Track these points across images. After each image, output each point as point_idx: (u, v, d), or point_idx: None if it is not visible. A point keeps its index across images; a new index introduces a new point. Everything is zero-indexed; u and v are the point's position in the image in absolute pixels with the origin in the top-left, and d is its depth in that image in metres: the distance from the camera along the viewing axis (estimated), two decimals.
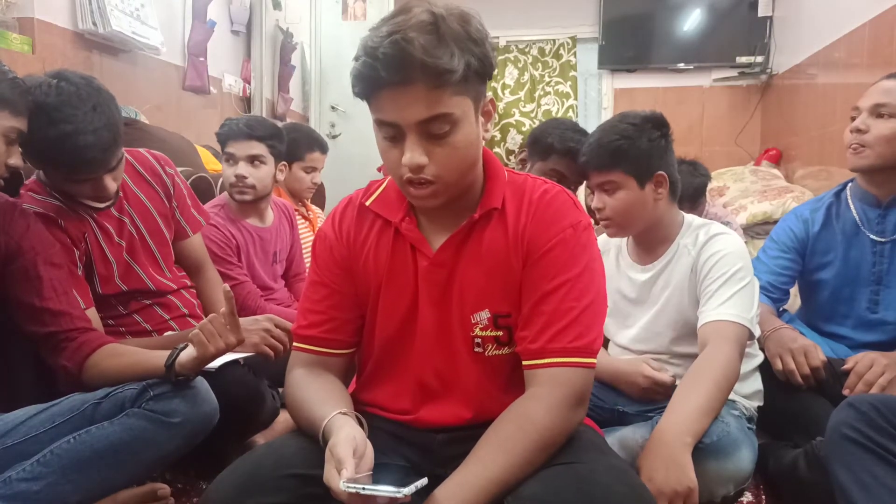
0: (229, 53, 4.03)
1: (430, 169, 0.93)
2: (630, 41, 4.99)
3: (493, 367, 1.05)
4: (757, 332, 1.38)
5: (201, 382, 1.23)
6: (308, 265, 1.58)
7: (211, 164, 2.89)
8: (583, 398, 0.97)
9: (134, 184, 1.60)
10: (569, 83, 5.15)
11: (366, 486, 0.78)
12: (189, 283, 1.73)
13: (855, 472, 1.08)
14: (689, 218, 1.50)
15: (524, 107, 5.16)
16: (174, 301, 1.65)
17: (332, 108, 4.95)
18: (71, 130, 1.27)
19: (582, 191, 2.45)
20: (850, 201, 1.68)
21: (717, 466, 1.22)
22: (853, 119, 1.60)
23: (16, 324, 1.27)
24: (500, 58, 4.97)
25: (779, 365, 1.52)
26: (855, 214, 1.66)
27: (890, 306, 1.60)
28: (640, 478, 1.04)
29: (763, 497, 1.45)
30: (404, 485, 0.79)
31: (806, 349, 1.51)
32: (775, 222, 2.28)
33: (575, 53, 5.15)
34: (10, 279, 1.26)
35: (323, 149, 2.68)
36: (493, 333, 1.04)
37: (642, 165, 1.41)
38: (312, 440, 0.96)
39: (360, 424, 0.95)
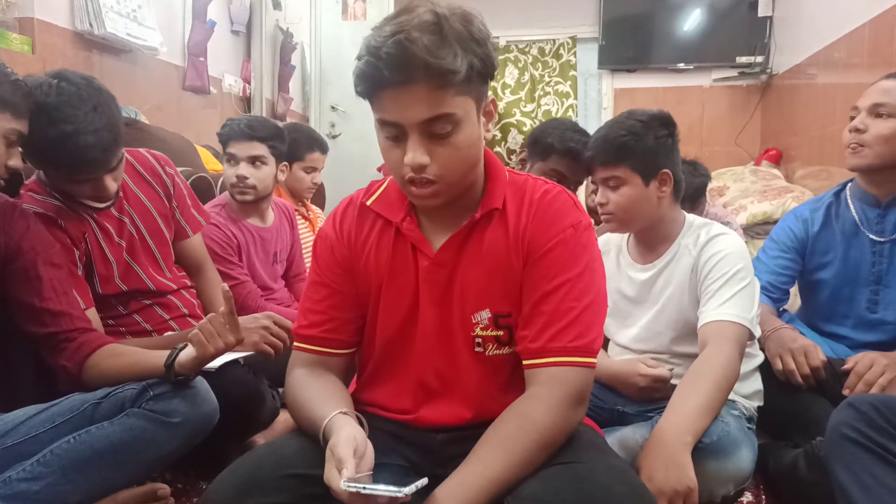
0: (229, 53, 4.03)
1: (432, 169, 0.93)
2: (630, 41, 4.99)
3: (493, 367, 1.05)
4: (757, 333, 1.38)
5: (201, 382, 1.23)
6: (308, 265, 1.58)
7: (211, 164, 2.89)
8: (583, 398, 0.97)
9: (134, 184, 1.60)
10: (569, 83, 5.15)
11: (366, 486, 0.78)
12: (189, 283, 1.73)
13: (855, 472, 1.08)
14: (691, 218, 1.51)
15: (525, 107, 5.16)
16: (174, 301, 1.65)
17: (332, 108, 4.95)
18: (71, 130, 1.27)
19: (582, 191, 2.46)
20: (849, 201, 1.68)
21: (716, 466, 1.22)
22: (852, 119, 1.60)
23: (16, 324, 1.27)
24: (500, 58, 4.96)
25: (779, 365, 1.52)
26: (854, 214, 1.66)
27: (889, 306, 1.60)
28: (640, 477, 1.04)
29: (763, 497, 1.45)
30: (404, 485, 0.79)
31: (806, 349, 1.51)
32: (775, 222, 2.28)
33: (575, 53, 5.15)
34: (10, 279, 1.26)
35: (323, 149, 2.68)
36: (494, 333, 1.04)
37: (648, 162, 1.41)
38: (312, 440, 0.96)
39: (361, 424, 0.95)
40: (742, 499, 1.42)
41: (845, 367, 1.48)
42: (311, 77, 4.96)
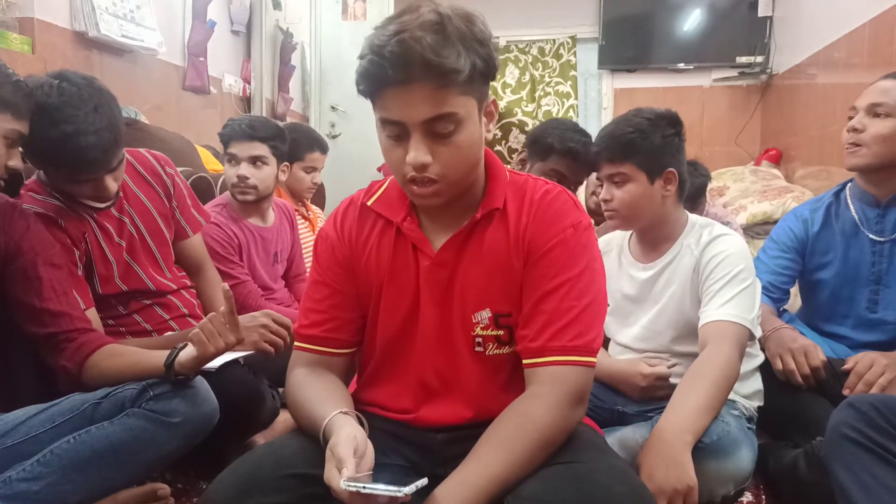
0: (229, 53, 4.03)
1: (434, 168, 0.93)
2: (630, 41, 4.99)
3: (493, 367, 1.05)
4: (758, 333, 1.38)
5: (201, 382, 1.23)
6: (308, 266, 1.58)
7: (211, 164, 2.90)
8: (582, 397, 0.98)
9: (134, 184, 1.60)
10: (569, 83, 5.15)
11: (366, 485, 0.78)
12: (189, 283, 1.73)
13: (855, 472, 1.08)
14: (694, 218, 1.51)
15: (525, 106, 5.16)
16: (174, 301, 1.65)
17: (332, 108, 4.95)
18: (72, 131, 1.27)
19: (582, 191, 2.46)
20: (849, 201, 1.68)
21: (716, 466, 1.22)
22: (850, 119, 1.60)
23: (16, 324, 1.27)
24: (500, 57, 4.96)
25: (779, 365, 1.52)
26: (854, 214, 1.66)
27: (889, 306, 1.60)
28: (639, 477, 1.04)
29: (763, 497, 1.45)
30: (404, 484, 0.79)
31: (806, 349, 1.51)
32: (775, 222, 2.28)
33: (575, 53, 5.15)
34: (10, 280, 1.26)
35: (323, 149, 2.68)
36: (494, 333, 1.04)
37: (654, 160, 1.42)
38: (312, 440, 0.96)
39: (361, 424, 0.95)
40: (742, 499, 1.42)
41: (845, 367, 1.48)
42: (311, 77, 4.96)
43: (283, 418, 1.60)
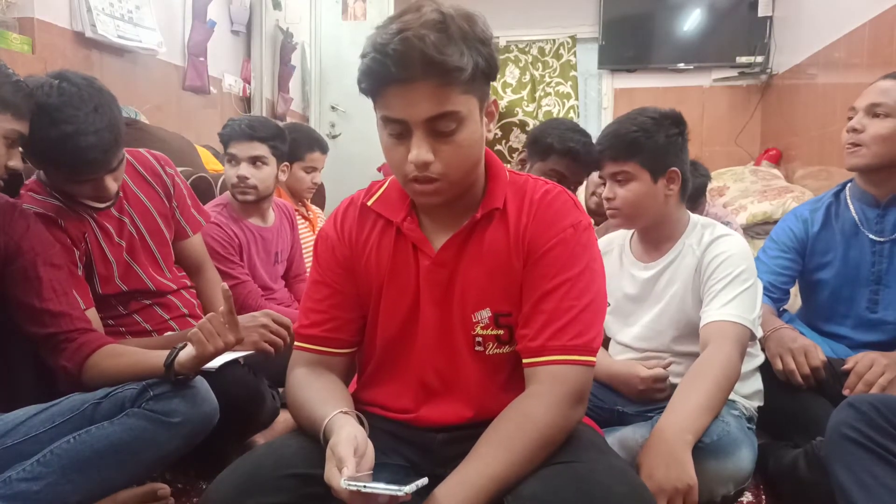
0: (229, 53, 4.03)
1: (436, 166, 0.93)
2: (630, 41, 4.99)
3: (493, 366, 1.05)
4: (759, 334, 1.38)
5: (201, 382, 1.23)
6: (308, 266, 1.58)
7: (211, 164, 2.90)
8: (582, 396, 0.98)
9: (134, 184, 1.60)
10: (569, 83, 5.15)
11: (367, 485, 0.78)
12: (189, 283, 1.73)
13: (855, 472, 1.08)
14: (696, 218, 1.51)
15: (526, 106, 5.16)
16: (174, 301, 1.65)
17: (332, 108, 4.95)
18: (72, 131, 1.27)
19: (582, 191, 2.46)
20: (849, 201, 1.69)
21: (716, 466, 1.22)
22: (850, 119, 1.60)
23: (16, 324, 1.27)
24: (500, 57, 4.96)
25: (779, 365, 1.52)
26: (854, 214, 1.66)
27: (889, 306, 1.60)
28: (639, 476, 1.04)
29: (763, 497, 1.45)
30: (405, 484, 0.79)
31: (806, 349, 1.51)
32: (775, 222, 2.28)
33: (575, 53, 5.15)
34: (10, 280, 1.26)
35: (323, 149, 2.68)
36: (494, 332, 1.04)
37: (658, 159, 1.42)
38: (313, 440, 0.96)
39: (361, 424, 0.95)
40: (742, 499, 1.42)
41: (845, 367, 1.48)
42: (311, 77, 4.96)
43: (283, 418, 1.60)
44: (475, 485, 0.87)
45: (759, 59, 4.55)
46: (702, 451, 1.17)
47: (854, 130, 1.57)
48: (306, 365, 1.09)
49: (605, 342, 1.61)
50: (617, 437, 1.38)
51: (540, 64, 5.21)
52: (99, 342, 1.28)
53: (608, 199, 1.47)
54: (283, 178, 2.13)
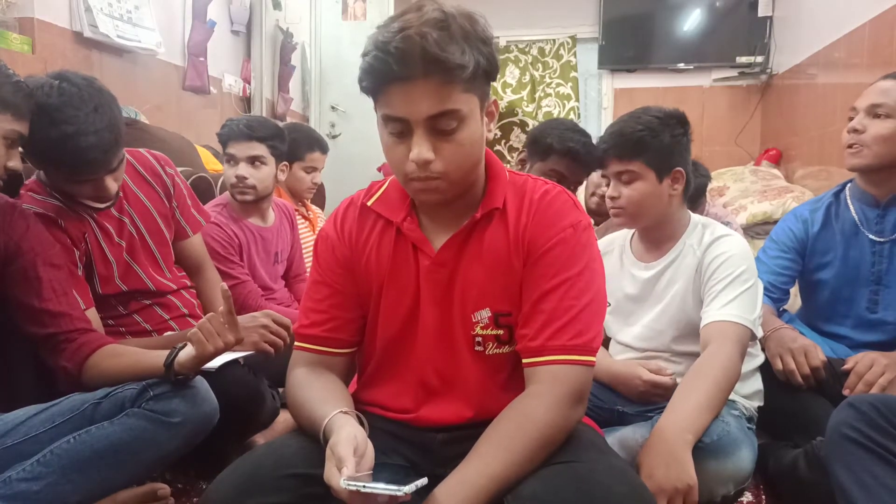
0: (229, 53, 4.03)
1: (436, 165, 0.93)
2: (630, 41, 4.99)
3: (493, 366, 1.05)
4: (759, 334, 1.38)
5: (201, 382, 1.23)
6: (308, 266, 1.58)
7: (211, 164, 2.90)
8: (582, 396, 0.98)
9: (134, 184, 1.60)
10: (569, 84, 5.14)
11: (366, 484, 0.78)
12: (189, 283, 1.73)
13: (855, 472, 1.08)
14: (696, 218, 1.51)
15: (526, 107, 5.16)
16: (174, 301, 1.65)
17: (332, 108, 4.95)
18: (72, 131, 1.27)
19: (581, 191, 2.46)
20: (848, 201, 1.69)
21: (716, 466, 1.22)
22: (851, 119, 1.60)
23: (16, 324, 1.27)
24: (500, 57, 4.96)
25: (779, 365, 1.52)
26: (854, 214, 1.66)
27: (889, 306, 1.60)
28: (639, 476, 1.04)
29: (763, 497, 1.45)
30: (405, 484, 0.79)
31: (806, 349, 1.51)
32: (775, 222, 2.28)
33: (575, 54, 5.15)
34: (10, 280, 1.26)
35: (323, 149, 2.68)
36: (494, 332, 1.04)
37: (663, 159, 1.42)
38: (312, 440, 0.96)
39: (361, 424, 0.95)
40: (742, 499, 1.42)
41: (845, 367, 1.48)
42: (311, 77, 4.96)
43: (283, 418, 1.60)
44: (475, 484, 0.87)
45: (759, 59, 4.55)
46: (702, 451, 1.17)
47: (855, 131, 1.57)
48: (306, 365, 1.09)
49: (606, 342, 1.61)
50: (617, 437, 1.38)
51: (540, 64, 5.21)
52: (99, 342, 1.28)
53: (612, 198, 1.46)
54: (282, 177, 2.13)
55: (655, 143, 1.40)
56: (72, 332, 1.27)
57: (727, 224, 2.19)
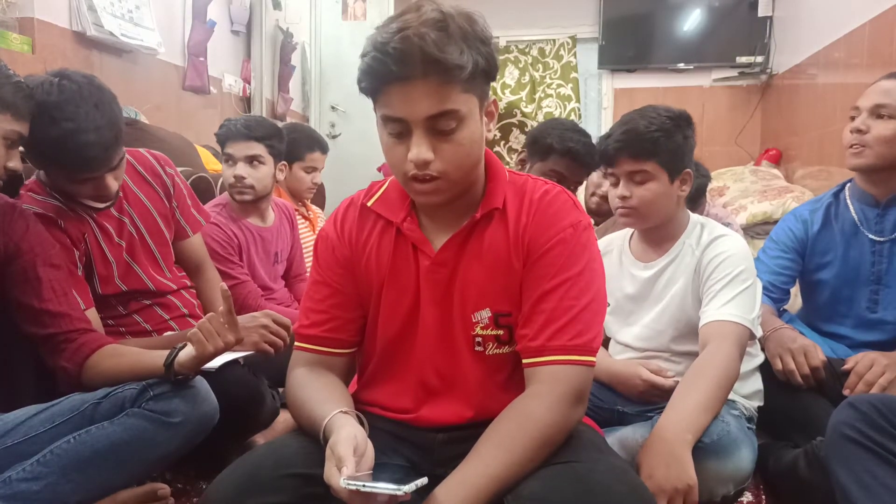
0: (229, 53, 4.03)
1: (436, 165, 0.93)
2: (630, 41, 4.99)
3: (493, 366, 1.06)
4: (759, 333, 1.38)
5: (201, 382, 1.23)
6: (308, 266, 1.58)
7: (211, 164, 2.89)
8: (582, 396, 0.98)
9: (134, 184, 1.60)
10: (570, 85, 5.14)
11: (366, 484, 0.78)
12: (189, 283, 1.73)
13: (855, 472, 1.08)
14: (696, 218, 1.51)
15: (526, 107, 5.16)
16: (174, 301, 1.65)
17: (332, 108, 4.95)
18: (73, 129, 1.27)
19: (581, 191, 2.46)
20: (848, 201, 1.69)
21: (716, 466, 1.22)
22: (853, 119, 1.60)
23: (16, 324, 1.27)
24: (500, 58, 4.95)
25: (779, 365, 1.52)
26: (854, 214, 1.66)
27: (889, 306, 1.60)
28: (639, 476, 1.04)
29: (763, 497, 1.45)
30: (405, 484, 0.79)
31: (806, 349, 1.51)
32: (775, 222, 2.28)
33: (575, 54, 5.15)
34: (10, 280, 1.26)
35: (323, 149, 2.68)
36: (494, 332, 1.04)
37: (676, 160, 1.41)
38: (312, 439, 0.96)
39: (361, 423, 0.95)
40: (742, 499, 1.41)
41: (845, 367, 1.48)
42: (311, 77, 4.96)
43: (283, 418, 1.60)
44: (475, 485, 0.87)
45: (759, 59, 4.55)
46: (702, 450, 1.17)
47: (859, 131, 1.57)
48: (306, 365, 1.09)
49: (605, 342, 1.61)
50: (617, 437, 1.38)
51: (540, 65, 5.21)
52: (99, 342, 1.28)
53: (623, 198, 1.43)
54: (280, 177, 2.13)
55: (670, 143, 1.40)
56: (72, 332, 1.27)
57: (727, 224, 2.19)
